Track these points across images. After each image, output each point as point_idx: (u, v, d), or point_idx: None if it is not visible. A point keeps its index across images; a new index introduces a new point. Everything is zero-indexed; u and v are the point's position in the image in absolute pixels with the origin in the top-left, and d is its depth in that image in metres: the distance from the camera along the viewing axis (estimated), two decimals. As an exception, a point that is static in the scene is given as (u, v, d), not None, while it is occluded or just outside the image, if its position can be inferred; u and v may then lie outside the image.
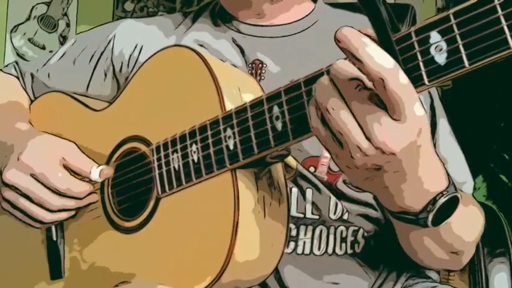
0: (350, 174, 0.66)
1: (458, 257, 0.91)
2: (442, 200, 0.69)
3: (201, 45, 0.99)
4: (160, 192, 0.83)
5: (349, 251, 0.95)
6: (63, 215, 0.90)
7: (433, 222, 0.69)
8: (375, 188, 0.69)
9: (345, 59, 0.61)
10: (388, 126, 0.59)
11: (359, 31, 0.58)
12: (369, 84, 0.59)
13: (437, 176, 0.70)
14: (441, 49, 0.57)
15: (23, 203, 0.88)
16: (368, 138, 0.60)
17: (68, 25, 2.70)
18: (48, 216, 0.88)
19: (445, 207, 0.70)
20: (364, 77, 0.59)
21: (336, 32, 0.58)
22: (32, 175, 0.87)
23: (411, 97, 0.58)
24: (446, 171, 0.71)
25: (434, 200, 0.69)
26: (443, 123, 0.99)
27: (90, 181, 0.90)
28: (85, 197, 0.90)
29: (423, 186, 0.68)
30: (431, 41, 0.58)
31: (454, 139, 1.00)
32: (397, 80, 0.57)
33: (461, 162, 0.99)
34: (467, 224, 0.87)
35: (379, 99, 0.59)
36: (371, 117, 0.59)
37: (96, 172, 0.88)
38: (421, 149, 0.63)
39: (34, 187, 0.87)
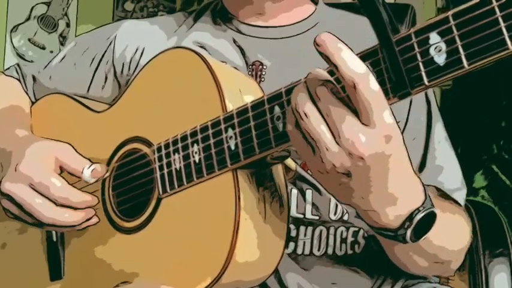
0: (322, 180, 0.68)
1: (445, 266, 0.91)
2: (419, 216, 0.69)
3: (201, 47, 0.99)
4: (161, 193, 0.83)
5: (349, 252, 0.95)
6: (57, 229, 0.89)
7: (411, 238, 0.70)
8: (348, 199, 0.69)
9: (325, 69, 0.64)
10: (357, 129, 0.61)
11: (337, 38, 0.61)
12: (341, 90, 0.62)
13: (412, 191, 0.70)
14: (440, 50, 0.58)
15: (18, 212, 0.87)
16: (338, 143, 0.62)
17: (68, 25, 2.70)
18: (41, 225, 0.87)
19: (423, 223, 0.70)
20: (335, 83, 0.62)
21: (315, 37, 0.61)
22: (31, 185, 0.86)
23: (381, 104, 0.60)
24: (423, 185, 0.72)
25: (411, 216, 0.69)
26: (438, 129, 0.99)
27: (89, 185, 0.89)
28: (85, 208, 0.87)
29: (398, 202, 0.68)
30: (431, 42, 0.59)
31: (449, 145, 1.00)
32: (368, 85, 0.59)
33: (455, 168, 0.99)
34: (451, 234, 0.87)
35: (350, 104, 0.61)
36: (341, 120, 0.61)
37: (87, 172, 0.86)
38: (391, 159, 0.63)
39: (29, 198, 0.85)
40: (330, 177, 0.65)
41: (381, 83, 0.61)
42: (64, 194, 0.85)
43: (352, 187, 0.66)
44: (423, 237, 0.71)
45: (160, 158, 0.83)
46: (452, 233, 0.88)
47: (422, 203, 0.70)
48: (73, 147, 0.89)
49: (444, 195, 0.94)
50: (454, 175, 0.98)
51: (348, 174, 0.64)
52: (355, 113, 0.61)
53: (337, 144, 0.62)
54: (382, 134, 0.61)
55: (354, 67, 0.59)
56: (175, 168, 0.81)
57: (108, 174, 0.89)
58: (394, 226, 0.70)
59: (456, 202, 0.95)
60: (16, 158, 0.89)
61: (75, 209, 0.86)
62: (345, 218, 0.93)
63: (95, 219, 0.88)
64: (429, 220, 0.71)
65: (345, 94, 0.62)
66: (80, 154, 0.89)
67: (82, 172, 0.86)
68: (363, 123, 0.61)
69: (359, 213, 0.72)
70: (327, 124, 0.62)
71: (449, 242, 0.87)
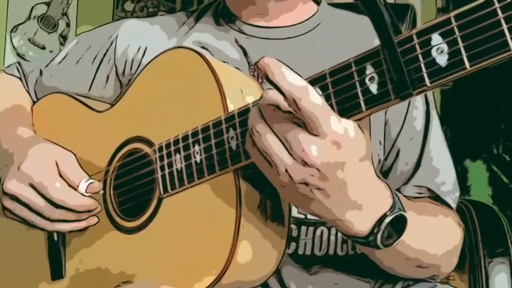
0: (285, 193, 0.70)
1: (432, 270, 0.91)
2: (387, 220, 0.69)
3: (202, 47, 0.99)
4: (162, 193, 0.83)
5: (351, 252, 0.95)
6: (65, 227, 0.88)
7: (383, 243, 0.70)
8: (311, 209, 0.69)
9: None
10: (307, 139, 0.63)
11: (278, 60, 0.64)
12: (286, 106, 0.64)
13: (377, 196, 0.70)
14: (442, 51, 0.58)
15: (23, 212, 0.87)
16: (291, 154, 0.64)
17: (68, 25, 2.70)
18: (48, 226, 0.88)
19: (394, 227, 0.70)
20: (281, 101, 0.64)
21: (257, 62, 0.64)
22: (31, 185, 0.87)
23: (325, 114, 0.62)
24: (391, 189, 0.72)
25: (379, 222, 0.69)
26: (435, 131, 0.99)
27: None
28: (84, 212, 0.88)
29: (363, 209, 0.68)
30: (433, 43, 0.59)
31: (446, 147, 1.00)
32: (309, 98, 0.61)
33: (450, 170, 0.99)
34: (433, 237, 0.86)
35: (297, 119, 0.63)
36: (291, 134, 0.63)
37: (83, 186, 0.86)
38: (346, 166, 0.64)
39: (33, 197, 0.86)
40: (289, 189, 0.67)
41: (383, 83, 0.62)
42: (62, 196, 0.86)
43: (311, 197, 0.66)
44: (396, 242, 0.71)
45: (161, 158, 0.83)
46: (436, 236, 0.87)
47: (390, 207, 0.70)
48: (76, 157, 0.90)
49: (435, 197, 0.94)
50: (448, 177, 0.98)
51: (306, 184, 0.65)
52: (304, 125, 0.63)
53: (291, 156, 0.64)
54: (331, 142, 0.63)
55: (293, 82, 0.62)
56: (177, 169, 0.81)
57: (101, 190, 0.89)
58: (364, 233, 0.69)
59: (446, 204, 0.95)
60: (19, 158, 0.89)
61: (74, 211, 0.86)
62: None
63: (93, 220, 0.89)
64: (400, 224, 0.71)
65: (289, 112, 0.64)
66: (81, 166, 0.89)
67: (78, 185, 0.87)
68: (312, 134, 0.63)
69: (328, 223, 0.74)
70: (279, 139, 0.64)
71: (432, 246, 0.86)
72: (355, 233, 0.70)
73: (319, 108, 0.62)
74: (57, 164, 0.88)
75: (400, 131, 0.96)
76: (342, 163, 0.64)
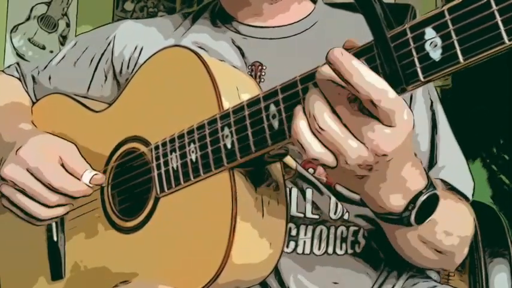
0: (341, 177, 0.69)
1: (447, 258, 0.91)
2: (423, 197, 0.71)
3: (200, 47, 0.99)
4: (159, 192, 0.83)
5: (350, 251, 0.95)
6: (60, 211, 0.88)
7: (416, 220, 0.72)
8: (360, 189, 0.70)
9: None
10: (381, 132, 0.61)
11: (348, 49, 0.61)
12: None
13: (417, 174, 0.72)
14: (436, 45, 0.58)
15: (19, 198, 0.87)
16: (361, 142, 0.62)
17: (68, 25, 2.70)
18: (44, 213, 0.87)
19: (426, 205, 0.72)
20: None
21: (328, 53, 0.60)
22: (28, 170, 0.86)
23: (401, 107, 0.60)
24: (425, 169, 0.73)
25: (415, 199, 0.71)
26: (443, 126, 0.99)
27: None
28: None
29: (405, 185, 0.70)
30: (426, 37, 0.58)
31: (455, 141, 1.00)
32: (388, 98, 0.59)
33: (462, 164, 0.99)
34: (453, 223, 0.88)
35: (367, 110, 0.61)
36: (365, 127, 0.61)
37: (87, 176, 0.86)
38: (406, 148, 0.64)
39: (29, 182, 0.86)
40: (350, 174, 0.66)
41: None
42: (59, 182, 0.85)
43: (369, 179, 0.67)
44: (427, 220, 0.73)
45: (157, 157, 0.83)
46: (456, 220, 0.88)
47: (426, 186, 0.72)
48: (78, 149, 0.90)
49: (451, 189, 0.94)
50: (462, 170, 0.98)
51: (370, 169, 0.64)
52: (375, 116, 0.61)
53: (359, 141, 0.62)
54: (404, 131, 0.62)
55: (372, 83, 0.59)
56: (173, 167, 0.81)
57: (105, 183, 0.89)
58: (399, 210, 0.71)
59: (463, 195, 0.95)
60: (18, 145, 0.89)
61: (71, 197, 0.86)
62: (345, 217, 0.93)
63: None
64: (432, 203, 0.73)
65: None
66: (83, 157, 0.89)
67: (82, 175, 0.86)
68: (385, 125, 0.61)
69: (364, 200, 0.73)
70: (348, 129, 0.62)
71: (453, 228, 0.87)
72: (390, 209, 0.72)
73: (396, 104, 0.60)
74: (60, 155, 0.88)
75: None
76: (402, 146, 0.63)
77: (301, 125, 0.64)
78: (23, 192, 0.86)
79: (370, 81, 0.59)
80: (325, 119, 0.62)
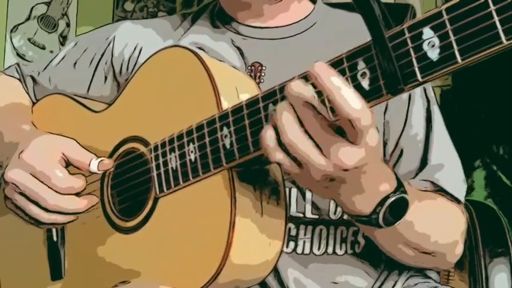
0: (308, 186, 0.74)
1: (437, 258, 0.92)
2: (390, 200, 0.73)
3: (199, 48, 0.99)
4: (158, 192, 0.83)
5: (349, 251, 0.95)
6: (60, 218, 0.88)
7: (384, 222, 0.74)
8: (327, 195, 0.74)
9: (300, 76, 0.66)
10: (345, 149, 0.64)
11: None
12: (319, 104, 0.63)
13: (385, 178, 0.74)
14: (434, 45, 0.58)
15: (21, 201, 0.87)
16: (325, 155, 0.65)
17: (68, 25, 2.70)
18: (44, 216, 0.87)
19: (395, 208, 0.74)
20: (315, 100, 0.64)
21: (308, 69, 0.62)
22: (32, 174, 0.87)
23: (371, 128, 0.63)
24: (395, 174, 0.76)
25: (383, 201, 0.73)
26: (438, 127, 0.98)
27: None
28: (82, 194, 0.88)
29: (373, 189, 0.73)
30: (424, 37, 0.58)
31: (450, 142, 1.00)
32: (366, 118, 0.61)
33: (456, 165, 0.99)
34: (436, 224, 0.89)
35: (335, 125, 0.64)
36: (330, 143, 0.64)
37: (95, 164, 0.86)
38: (372, 158, 0.67)
39: (32, 185, 0.86)
40: (313, 182, 0.68)
41: (374, 79, 0.61)
42: (67, 183, 0.86)
43: (332, 187, 0.69)
44: (397, 222, 0.75)
45: (156, 158, 0.83)
46: (439, 224, 0.90)
47: (395, 189, 0.74)
48: (78, 143, 0.90)
49: (440, 190, 0.94)
50: (455, 172, 0.98)
51: (333, 179, 0.67)
52: (343, 132, 0.64)
53: (324, 156, 0.64)
54: (366, 151, 0.64)
55: (353, 106, 0.60)
56: (172, 167, 0.81)
57: (113, 166, 0.89)
58: (368, 212, 0.74)
59: (454, 197, 0.95)
60: (21, 147, 0.89)
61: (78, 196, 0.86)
62: (345, 217, 0.93)
63: (95, 199, 0.88)
64: (401, 206, 0.75)
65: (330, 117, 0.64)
66: (85, 148, 0.89)
67: (89, 164, 0.87)
68: (349, 141, 0.64)
69: (336, 202, 0.77)
70: (314, 144, 0.65)
71: (435, 233, 0.88)
72: (359, 211, 0.74)
73: (369, 126, 0.62)
74: (62, 152, 0.88)
75: (402, 130, 0.96)
76: (365, 158, 0.66)
77: (268, 134, 0.67)
78: (25, 195, 0.87)
79: (351, 103, 0.60)
80: (292, 133, 0.64)
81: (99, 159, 0.87)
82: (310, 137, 0.64)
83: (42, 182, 0.86)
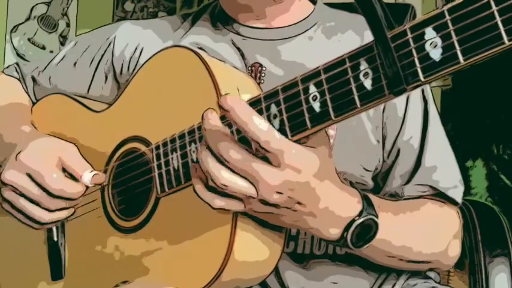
0: (256, 214, 0.74)
1: (431, 263, 0.94)
2: (355, 224, 0.75)
3: (200, 48, 0.99)
4: (159, 192, 0.83)
5: (350, 251, 0.95)
6: (62, 214, 0.88)
7: (353, 245, 0.76)
8: (288, 225, 0.76)
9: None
10: (268, 170, 0.67)
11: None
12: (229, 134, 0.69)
13: (345, 203, 0.76)
14: (436, 45, 0.58)
15: (21, 202, 0.87)
16: (255, 186, 0.68)
17: (68, 25, 2.70)
18: (46, 216, 0.87)
19: (364, 230, 0.76)
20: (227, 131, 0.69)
21: (220, 100, 0.67)
22: (28, 174, 0.86)
23: (288, 147, 0.67)
24: (364, 196, 0.78)
25: (348, 226, 0.75)
26: (435, 127, 0.98)
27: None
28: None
29: (331, 216, 0.74)
30: (427, 37, 0.58)
31: (447, 143, 1.00)
32: (275, 138, 0.66)
33: (452, 166, 0.99)
34: (419, 236, 0.89)
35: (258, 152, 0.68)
36: (256, 172, 0.67)
37: (87, 176, 0.86)
38: (312, 184, 0.70)
39: (30, 186, 0.86)
40: (267, 216, 0.73)
41: (377, 79, 0.61)
42: (59, 185, 0.85)
43: (282, 214, 0.72)
44: (367, 245, 0.77)
45: (158, 157, 0.83)
46: (422, 234, 0.90)
47: (359, 213, 0.75)
48: (78, 150, 0.90)
49: (439, 194, 0.94)
50: (450, 173, 0.98)
51: (276, 206, 0.70)
52: (264, 157, 0.67)
53: (256, 188, 0.68)
54: (290, 170, 0.67)
55: (260, 127, 0.65)
56: (173, 167, 0.81)
57: (106, 182, 0.89)
58: (334, 237, 0.76)
59: (451, 200, 0.95)
60: (19, 149, 0.89)
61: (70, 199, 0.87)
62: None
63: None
64: (370, 226, 0.77)
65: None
66: (84, 158, 0.89)
67: (81, 175, 0.86)
68: (273, 165, 0.67)
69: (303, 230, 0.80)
70: (242, 176, 0.68)
71: (417, 243, 0.89)
72: (327, 237, 0.76)
73: (283, 144, 0.66)
74: (60, 156, 0.88)
75: (399, 130, 0.96)
76: (306, 183, 0.69)
77: (197, 184, 0.72)
78: (24, 196, 0.87)
79: (258, 124, 0.65)
80: (223, 175, 0.68)
81: (93, 172, 0.87)
82: (235, 172, 0.68)
83: (36, 183, 0.86)
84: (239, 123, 0.66)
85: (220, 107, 0.66)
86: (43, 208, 0.87)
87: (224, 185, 0.68)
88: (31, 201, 0.87)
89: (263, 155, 0.67)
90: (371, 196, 0.79)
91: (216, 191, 0.70)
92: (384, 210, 0.79)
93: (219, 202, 0.70)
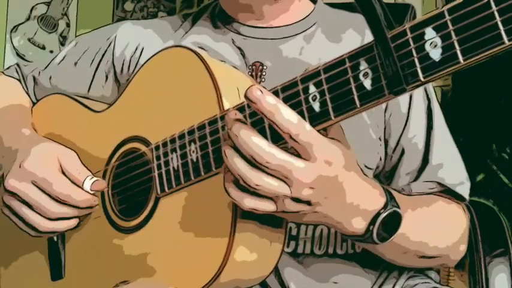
0: (285, 215, 0.72)
1: (440, 259, 0.93)
2: (381, 217, 0.74)
3: (200, 47, 0.99)
4: (159, 192, 0.83)
5: (350, 251, 0.95)
6: (63, 225, 0.89)
7: (380, 239, 0.75)
8: (314, 222, 0.75)
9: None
10: (299, 166, 0.66)
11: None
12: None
13: (370, 196, 0.75)
14: (436, 45, 0.58)
15: (23, 210, 0.88)
16: (288, 184, 0.67)
17: (68, 25, 2.70)
18: (44, 224, 0.87)
19: (389, 222, 0.75)
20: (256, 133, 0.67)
21: (246, 93, 0.65)
22: (34, 182, 0.87)
23: (317, 140, 0.66)
24: (385, 189, 0.77)
25: (374, 219, 0.74)
26: (439, 126, 0.99)
27: None
28: (86, 208, 0.89)
29: (358, 211, 0.74)
30: (426, 37, 0.58)
31: (451, 140, 1.00)
32: (305, 130, 0.65)
33: (458, 163, 0.99)
34: (434, 230, 0.89)
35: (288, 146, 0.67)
36: (286, 169, 0.66)
37: (88, 183, 0.87)
38: (339, 178, 0.69)
39: (34, 194, 0.87)
40: (295, 215, 0.71)
41: (377, 79, 0.62)
42: (66, 191, 0.86)
43: (312, 211, 0.71)
44: (392, 237, 0.76)
45: (158, 157, 0.83)
46: (436, 229, 0.90)
47: (384, 205, 0.74)
48: (78, 156, 0.90)
49: (447, 191, 0.95)
50: (457, 170, 0.98)
51: (308, 203, 0.69)
52: (296, 152, 0.66)
53: (289, 186, 0.67)
54: (323, 163, 0.67)
55: (289, 119, 0.64)
56: (173, 167, 0.81)
57: (106, 187, 0.90)
58: (360, 231, 0.75)
59: (459, 196, 0.95)
60: (21, 155, 0.89)
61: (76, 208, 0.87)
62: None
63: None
64: (395, 219, 0.76)
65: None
66: (83, 164, 0.90)
67: (83, 182, 0.87)
68: (303, 158, 0.66)
69: (329, 227, 0.78)
70: (275, 176, 0.67)
71: (433, 238, 0.89)
72: (353, 232, 0.75)
73: (311, 137, 0.65)
74: (59, 162, 0.88)
75: (403, 129, 0.96)
76: (335, 176, 0.68)
77: (229, 185, 0.70)
78: (26, 204, 0.87)
79: (288, 117, 0.64)
80: (256, 176, 0.66)
81: (94, 178, 0.88)
82: (266, 173, 0.66)
83: (42, 191, 0.86)
84: (267, 114, 0.64)
85: (246, 98, 0.65)
86: (44, 217, 0.87)
87: (257, 185, 0.67)
88: (33, 209, 0.87)
89: (291, 146, 0.66)
90: (390, 189, 0.79)
91: (246, 190, 0.69)
92: (402, 204, 0.78)
93: (249, 203, 0.69)
